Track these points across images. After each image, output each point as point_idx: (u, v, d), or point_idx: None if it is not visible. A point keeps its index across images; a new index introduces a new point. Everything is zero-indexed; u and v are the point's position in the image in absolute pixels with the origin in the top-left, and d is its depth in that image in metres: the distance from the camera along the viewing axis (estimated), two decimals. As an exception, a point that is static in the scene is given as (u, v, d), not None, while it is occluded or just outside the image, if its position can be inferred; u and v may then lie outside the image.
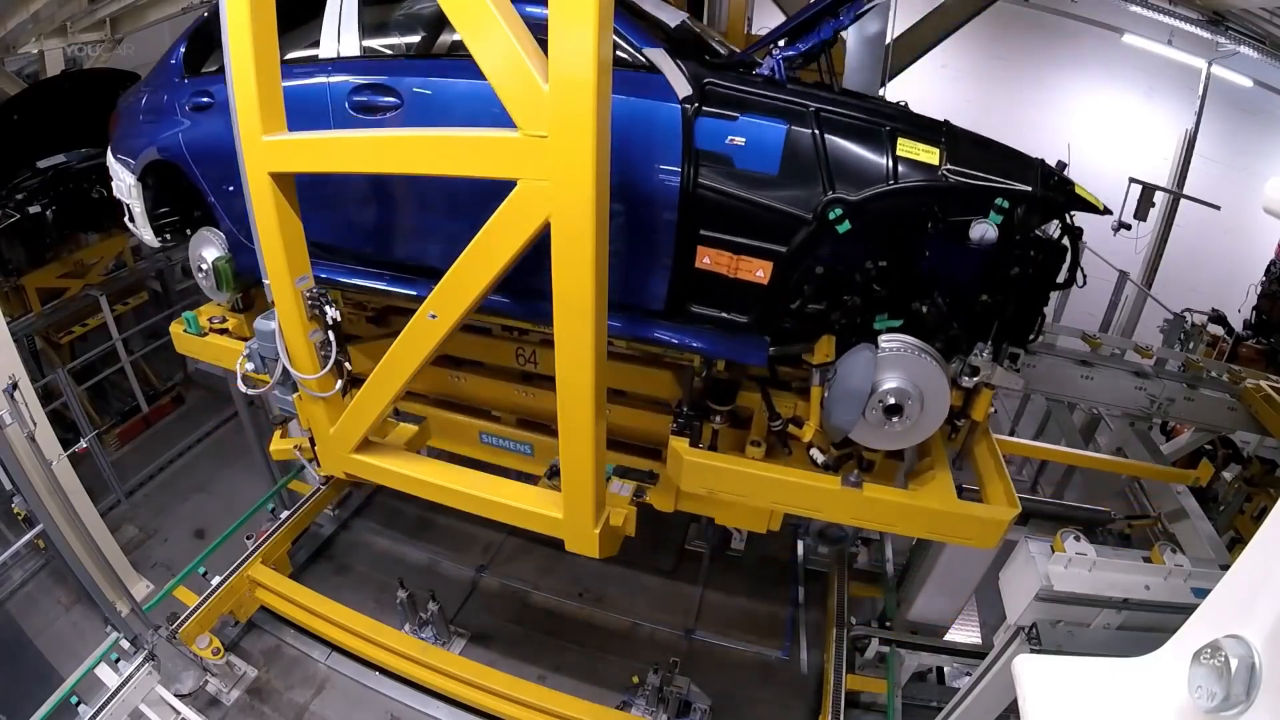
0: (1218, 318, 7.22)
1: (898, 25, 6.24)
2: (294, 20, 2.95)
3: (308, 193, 2.63)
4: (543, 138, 1.89)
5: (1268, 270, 7.61)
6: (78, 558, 4.53)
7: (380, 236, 3.08)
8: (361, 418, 2.84)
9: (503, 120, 1.98)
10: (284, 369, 2.78)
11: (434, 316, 2.38)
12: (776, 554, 5.36)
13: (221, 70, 2.96)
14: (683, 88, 2.46)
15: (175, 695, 4.10)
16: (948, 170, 2.32)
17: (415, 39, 3.11)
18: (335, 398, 2.86)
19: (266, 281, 2.64)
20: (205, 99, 3.24)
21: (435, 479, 2.94)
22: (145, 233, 3.71)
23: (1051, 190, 2.34)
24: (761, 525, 3.78)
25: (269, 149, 2.36)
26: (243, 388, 3.11)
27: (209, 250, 3.56)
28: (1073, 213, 2.46)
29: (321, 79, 2.89)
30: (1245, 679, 1.12)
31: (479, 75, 1.98)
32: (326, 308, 2.68)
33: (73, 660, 4.32)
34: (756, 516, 3.75)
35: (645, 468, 3.53)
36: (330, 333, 2.74)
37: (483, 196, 2.14)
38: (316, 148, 2.39)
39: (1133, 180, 8.92)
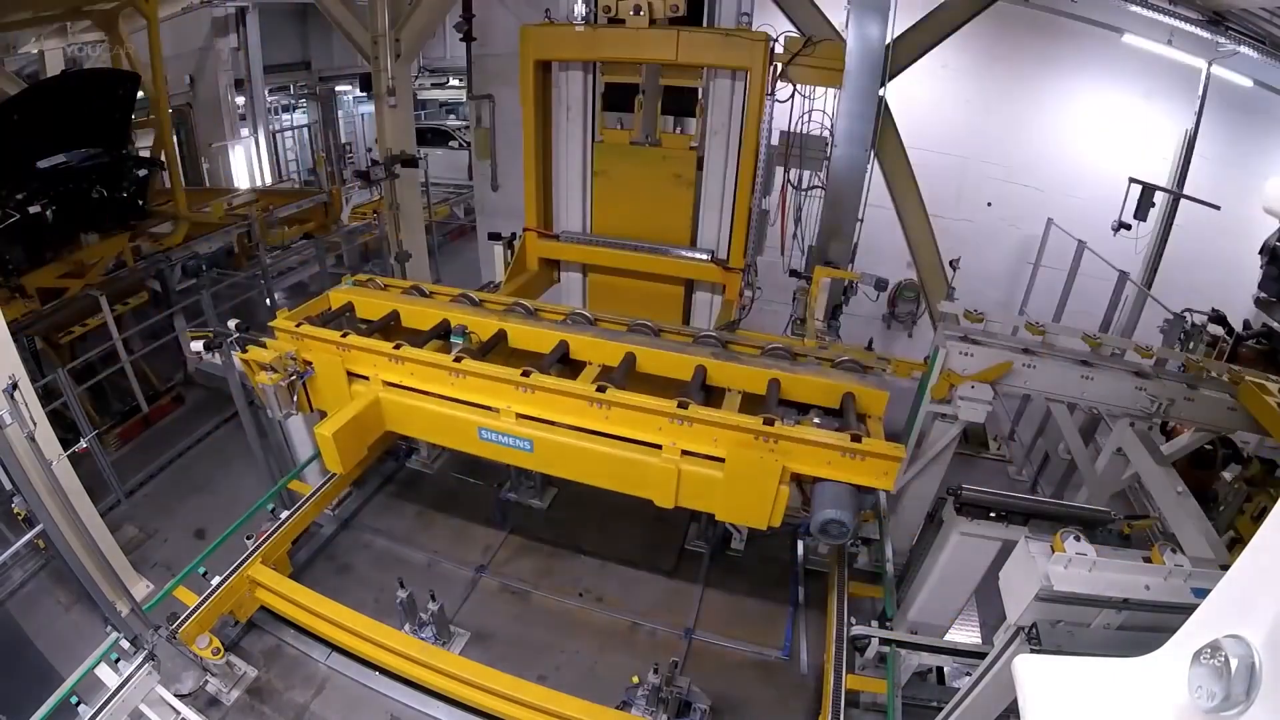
0: (1218, 318, 7.23)
1: (898, 25, 6.27)
2: None
3: None
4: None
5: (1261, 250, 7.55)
6: (78, 558, 4.53)
7: None
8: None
9: None
10: None
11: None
12: (776, 554, 5.35)
13: None
14: None
15: (175, 695, 4.09)
16: None
17: None
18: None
19: None
20: None
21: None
22: None
23: None
24: (763, 521, 3.76)
25: None
26: None
27: None
28: None
29: None
30: (1245, 679, 1.12)
31: None
32: None
33: (73, 660, 4.32)
34: (758, 513, 3.74)
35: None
36: None
37: None
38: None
39: (1133, 180, 8.92)
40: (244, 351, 4.89)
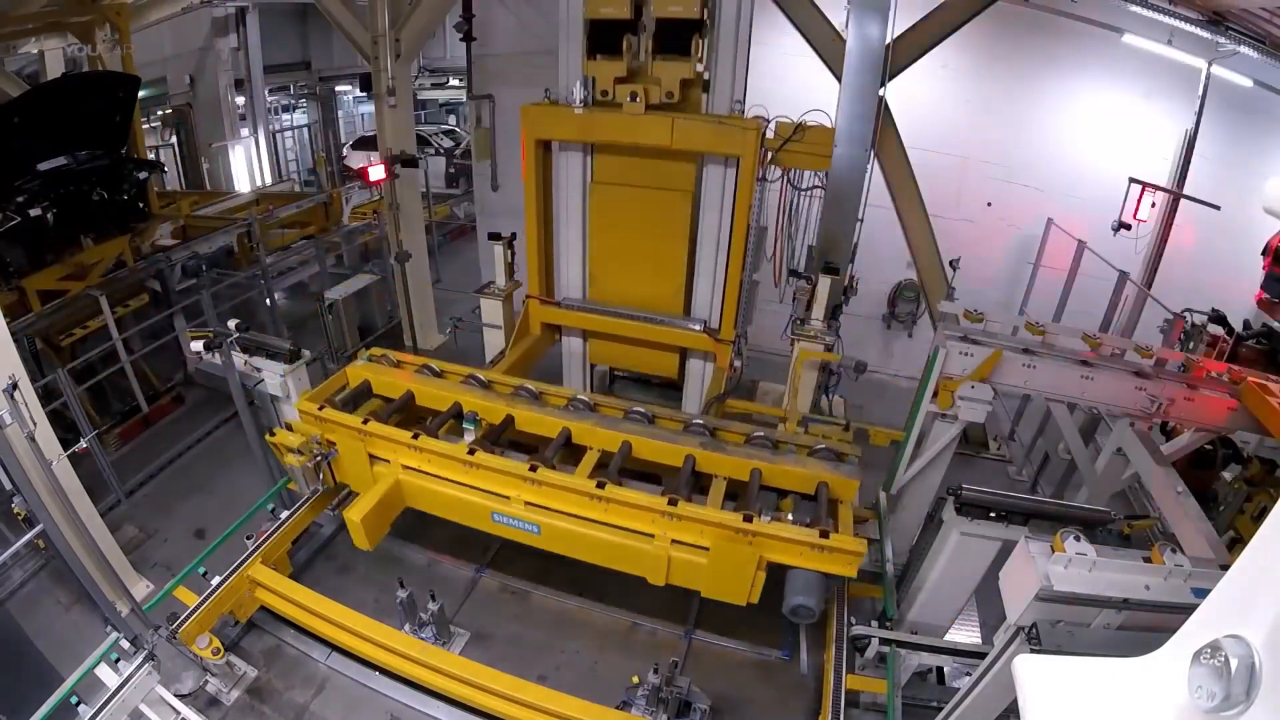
0: (1218, 318, 7.21)
1: (898, 25, 6.27)
2: None
3: None
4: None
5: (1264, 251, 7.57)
6: (78, 558, 4.53)
7: None
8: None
9: None
10: None
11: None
12: (776, 554, 5.35)
13: None
14: None
15: (175, 695, 4.09)
16: None
17: None
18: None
19: None
20: None
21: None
22: None
23: None
24: (742, 599, 4.18)
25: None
26: None
27: None
28: None
29: None
30: (1245, 679, 1.12)
31: None
32: None
33: (73, 660, 4.32)
34: (738, 593, 4.17)
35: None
36: None
37: None
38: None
39: (1132, 180, 8.92)
40: (244, 352, 5.00)
